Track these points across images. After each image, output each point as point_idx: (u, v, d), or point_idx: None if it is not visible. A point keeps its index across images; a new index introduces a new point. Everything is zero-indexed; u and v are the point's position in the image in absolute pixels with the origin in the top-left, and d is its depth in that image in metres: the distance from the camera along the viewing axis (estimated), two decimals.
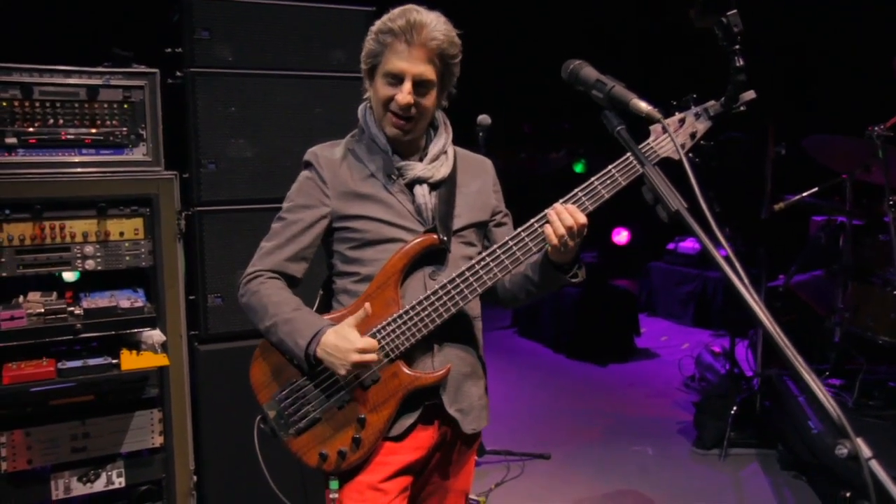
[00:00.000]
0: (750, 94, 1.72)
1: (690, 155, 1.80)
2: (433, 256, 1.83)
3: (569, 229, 1.69)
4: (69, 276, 2.72)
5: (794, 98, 6.08)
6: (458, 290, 1.75)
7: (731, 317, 5.55)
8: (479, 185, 1.96)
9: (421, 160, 1.88)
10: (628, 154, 1.70)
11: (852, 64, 5.72)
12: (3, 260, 2.48)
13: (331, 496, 1.80)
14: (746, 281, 1.22)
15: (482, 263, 1.76)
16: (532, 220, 1.76)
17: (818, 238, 4.59)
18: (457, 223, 1.87)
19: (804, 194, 4.36)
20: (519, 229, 1.77)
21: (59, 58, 2.60)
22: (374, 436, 1.77)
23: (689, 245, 7.27)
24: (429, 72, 1.76)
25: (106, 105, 2.64)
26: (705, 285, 6.98)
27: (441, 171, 1.88)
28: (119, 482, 2.64)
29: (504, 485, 3.86)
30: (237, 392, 2.45)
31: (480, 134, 3.36)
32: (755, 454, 4.17)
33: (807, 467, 3.82)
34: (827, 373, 4.16)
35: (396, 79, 1.76)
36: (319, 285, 2.00)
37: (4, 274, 2.49)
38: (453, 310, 1.75)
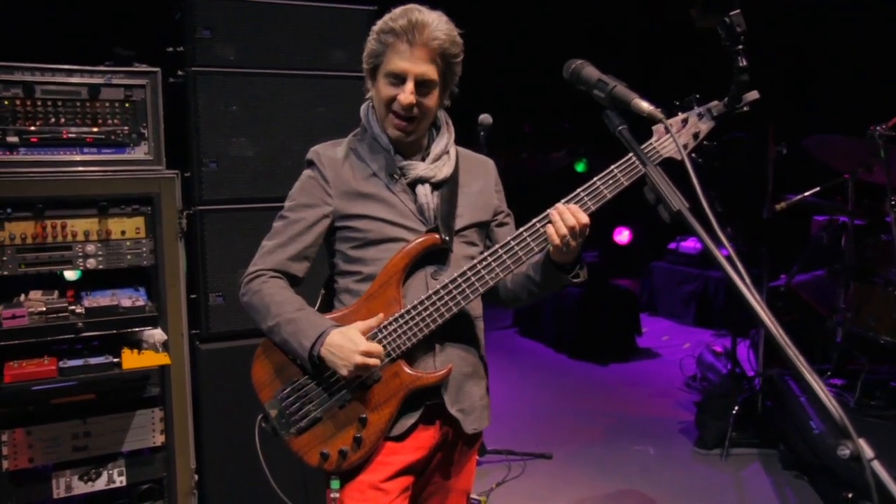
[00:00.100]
0: (753, 95, 1.72)
1: (693, 155, 1.79)
2: (435, 256, 1.83)
3: (571, 229, 1.69)
4: (70, 274, 2.72)
5: (795, 98, 6.08)
6: (460, 289, 1.75)
7: (732, 316, 5.54)
8: (481, 185, 1.96)
9: (423, 160, 1.88)
10: (630, 154, 1.70)
11: (853, 63, 5.72)
12: (4, 259, 2.48)
13: (332, 495, 1.80)
14: (748, 281, 1.22)
15: (484, 263, 1.76)
16: (534, 220, 1.76)
17: (820, 238, 4.59)
18: (459, 223, 1.87)
19: (806, 194, 4.35)
20: (521, 229, 1.77)
21: (61, 57, 2.60)
22: (376, 435, 1.77)
23: (690, 245, 7.27)
24: (431, 71, 1.76)
25: (107, 104, 2.64)
26: (707, 285, 6.97)
27: (443, 170, 1.87)
28: (120, 481, 2.64)
29: (505, 484, 3.86)
30: (238, 391, 2.45)
31: (482, 133, 3.36)
32: (757, 454, 4.17)
33: (808, 467, 3.81)
34: (829, 373, 4.15)
35: (398, 79, 1.76)
36: (321, 284, 2.00)
37: (6, 273, 2.49)
38: (455, 309, 1.75)
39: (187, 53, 2.79)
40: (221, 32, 2.82)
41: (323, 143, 1.92)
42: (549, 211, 1.73)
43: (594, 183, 1.74)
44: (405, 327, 1.75)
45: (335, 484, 1.80)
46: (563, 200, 1.74)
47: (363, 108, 1.92)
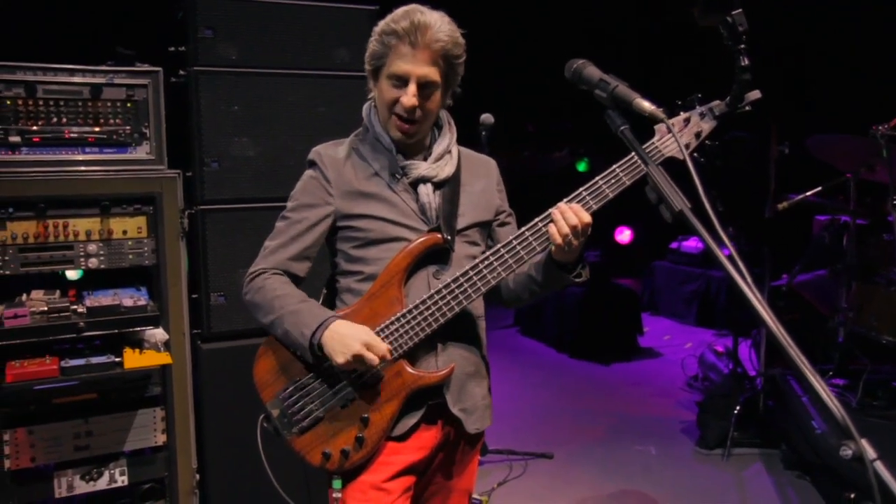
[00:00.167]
0: (755, 94, 1.72)
1: (695, 155, 1.79)
2: (437, 256, 1.82)
3: (573, 228, 1.69)
4: (72, 274, 2.72)
5: (797, 97, 6.07)
6: (462, 289, 1.75)
7: (734, 316, 5.55)
8: (483, 185, 1.96)
9: (425, 159, 1.87)
10: (632, 154, 1.70)
11: (856, 63, 5.71)
12: (6, 258, 2.48)
13: (334, 495, 1.80)
14: (750, 280, 1.22)
15: (486, 262, 1.76)
16: (536, 220, 1.76)
17: (822, 237, 4.58)
18: (461, 222, 1.86)
19: (808, 193, 4.35)
20: (523, 228, 1.77)
21: (63, 56, 2.61)
22: (378, 435, 1.77)
23: (692, 244, 7.27)
24: (433, 73, 1.76)
25: (109, 104, 2.64)
26: (708, 284, 6.97)
27: (445, 170, 1.87)
28: (122, 480, 2.65)
29: (507, 484, 3.86)
30: (240, 390, 2.46)
31: (483, 133, 3.36)
32: (758, 454, 4.17)
33: (810, 467, 3.81)
34: (830, 373, 4.15)
35: (401, 81, 1.76)
36: (323, 284, 2.00)
37: (8, 272, 2.49)
38: (457, 309, 1.75)
39: (189, 53, 2.79)
40: (223, 32, 2.82)
41: (325, 142, 1.92)
42: (551, 210, 1.73)
43: (596, 182, 1.74)
44: (407, 327, 1.75)
45: (337, 484, 1.80)
46: (565, 200, 1.74)
47: (365, 107, 1.92)
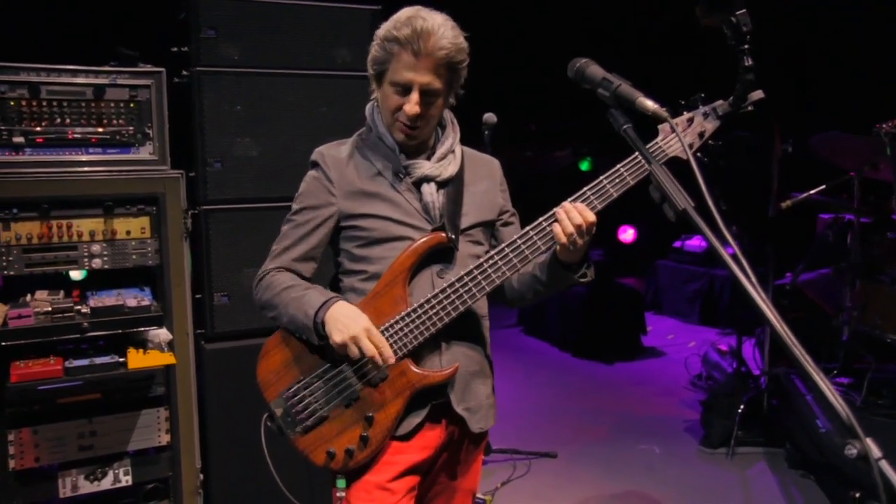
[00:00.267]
0: (758, 94, 1.71)
1: (699, 154, 1.79)
2: (441, 255, 1.82)
3: (577, 227, 1.68)
4: (76, 274, 2.73)
5: (801, 96, 6.06)
6: (467, 288, 1.75)
7: (738, 315, 5.54)
8: (487, 185, 1.96)
9: (429, 158, 1.87)
10: (637, 153, 1.70)
11: (860, 60, 5.70)
12: (10, 259, 2.49)
13: (337, 495, 1.80)
14: (753, 279, 1.22)
15: (490, 262, 1.76)
16: (540, 219, 1.76)
17: (826, 236, 4.57)
18: (464, 222, 1.86)
19: (811, 192, 4.34)
20: (527, 228, 1.76)
21: (66, 57, 2.61)
22: (382, 434, 1.77)
23: (695, 243, 7.26)
24: (436, 81, 1.74)
25: (112, 104, 2.65)
26: (712, 283, 6.96)
27: (448, 169, 1.87)
28: (126, 480, 2.65)
29: (510, 483, 3.86)
30: (244, 390, 2.46)
31: (486, 132, 3.36)
32: (763, 453, 4.16)
33: (815, 466, 3.80)
34: (835, 371, 4.14)
35: (404, 88, 1.75)
36: (326, 284, 2.00)
37: (12, 273, 2.50)
38: (461, 308, 1.75)
39: (192, 53, 2.80)
40: (226, 32, 2.82)
41: (328, 143, 1.92)
42: (555, 210, 1.73)
43: (601, 181, 1.74)
44: (411, 326, 1.75)
45: (341, 483, 1.80)
46: (569, 199, 1.74)
47: (368, 107, 1.92)
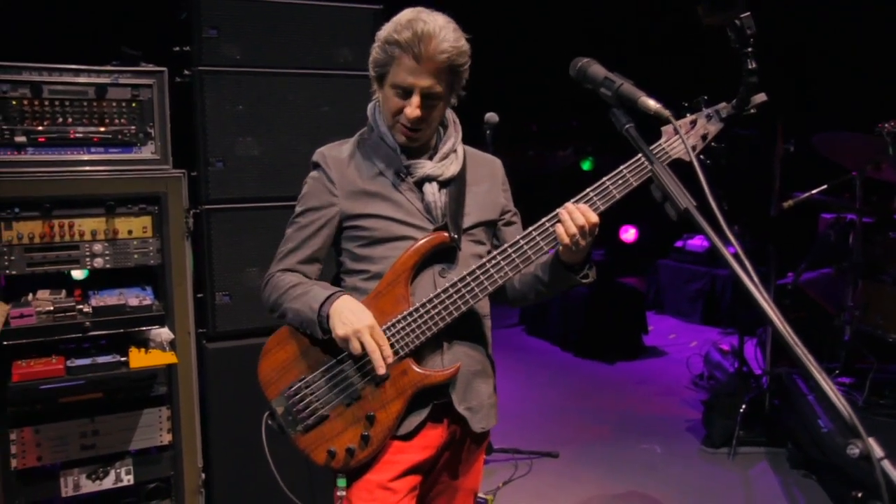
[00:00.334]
0: (761, 97, 1.71)
1: (701, 157, 1.79)
2: (443, 254, 1.82)
3: (580, 228, 1.68)
4: (78, 274, 2.73)
5: (803, 95, 6.05)
6: (469, 288, 1.75)
7: (739, 314, 5.53)
8: (489, 184, 1.96)
9: (430, 158, 1.87)
10: (640, 154, 1.70)
11: (862, 60, 5.69)
12: (12, 258, 2.49)
13: (338, 494, 1.80)
14: (755, 278, 1.22)
15: (493, 262, 1.76)
16: (543, 220, 1.76)
17: (827, 235, 4.57)
18: (467, 221, 1.86)
19: (813, 191, 4.33)
20: (530, 228, 1.76)
21: (68, 57, 2.62)
22: (383, 433, 1.77)
23: (697, 242, 7.25)
24: (437, 85, 1.74)
25: (114, 104, 2.65)
26: (714, 283, 6.95)
27: (450, 169, 1.87)
28: (128, 479, 2.66)
29: (512, 483, 3.86)
30: (245, 389, 2.46)
31: (488, 132, 3.36)
32: (764, 453, 4.15)
33: (817, 466, 3.80)
34: (837, 371, 4.14)
35: (405, 91, 1.74)
36: (328, 283, 2.00)
37: (14, 272, 2.50)
38: (463, 308, 1.75)
39: (194, 53, 2.80)
40: (228, 32, 2.82)
41: (329, 143, 1.92)
42: (558, 210, 1.73)
43: (603, 182, 1.74)
44: (413, 325, 1.75)
45: (342, 482, 1.80)
46: (572, 200, 1.73)
47: (370, 107, 1.92)
